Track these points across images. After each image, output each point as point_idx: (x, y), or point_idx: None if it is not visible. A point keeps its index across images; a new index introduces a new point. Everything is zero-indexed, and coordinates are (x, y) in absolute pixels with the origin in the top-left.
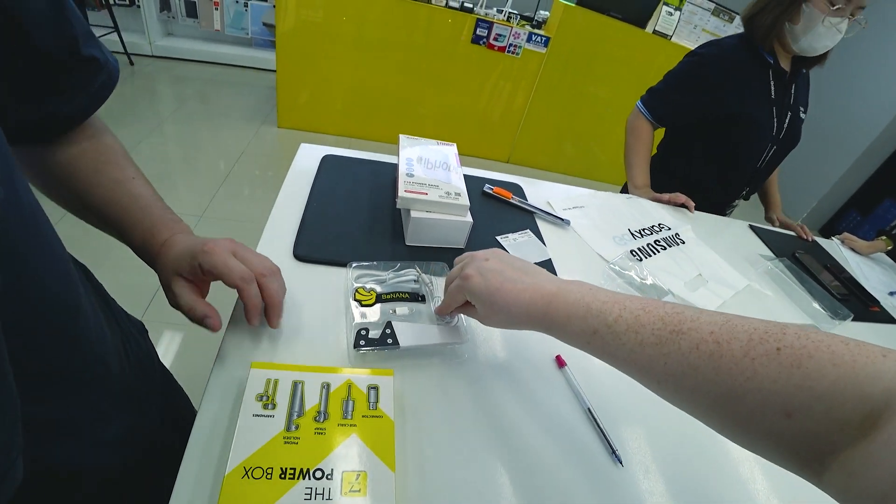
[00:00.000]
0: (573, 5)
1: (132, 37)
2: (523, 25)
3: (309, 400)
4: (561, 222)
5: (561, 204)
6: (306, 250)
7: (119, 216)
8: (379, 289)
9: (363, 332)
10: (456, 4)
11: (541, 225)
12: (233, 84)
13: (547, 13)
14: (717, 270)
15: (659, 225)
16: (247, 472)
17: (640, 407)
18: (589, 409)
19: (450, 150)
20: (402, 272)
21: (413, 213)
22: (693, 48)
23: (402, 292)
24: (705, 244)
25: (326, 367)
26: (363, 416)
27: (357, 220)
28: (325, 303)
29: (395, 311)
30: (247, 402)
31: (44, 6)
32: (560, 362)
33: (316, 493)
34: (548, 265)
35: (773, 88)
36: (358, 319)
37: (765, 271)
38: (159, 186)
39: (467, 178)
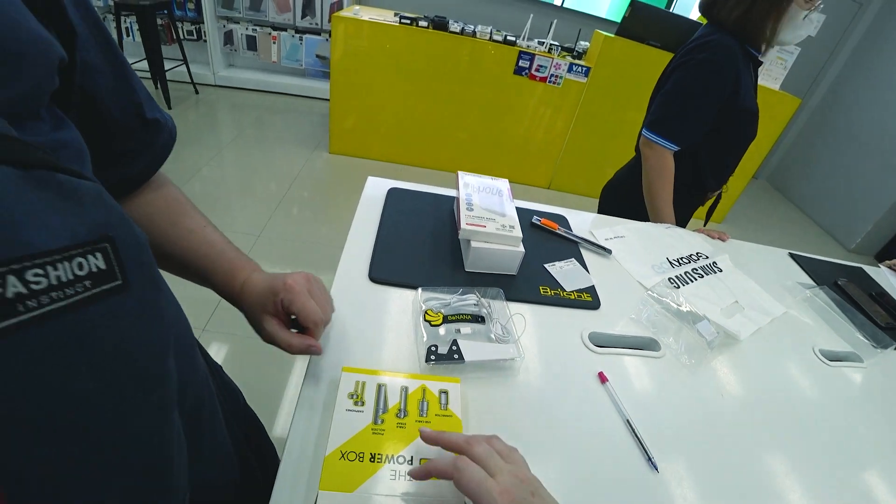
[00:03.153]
0: (612, 36)
1: (198, 68)
2: (564, 56)
3: (391, 399)
4: (603, 251)
5: (603, 234)
6: (380, 274)
7: (199, 263)
8: (444, 311)
9: (433, 348)
10: (499, 38)
11: (585, 254)
12: (287, 112)
13: (587, 44)
14: (754, 297)
15: (697, 254)
16: (343, 455)
17: (675, 420)
18: (628, 421)
19: (503, 185)
20: (464, 296)
21: (473, 244)
22: (686, 55)
23: (465, 314)
24: (742, 272)
25: (405, 373)
26: (436, 415)
27: (422, 247)
28: (398, 320)
29: (459, 331)
30: (340, 399)
31: (111, 80)
32: (602, 378)
33: (399, 475)
34: (591, 291)
35: (752, 77)
36: (428, 337)
37: (803, 299)
38: (220, 207)
39: (519, 210)
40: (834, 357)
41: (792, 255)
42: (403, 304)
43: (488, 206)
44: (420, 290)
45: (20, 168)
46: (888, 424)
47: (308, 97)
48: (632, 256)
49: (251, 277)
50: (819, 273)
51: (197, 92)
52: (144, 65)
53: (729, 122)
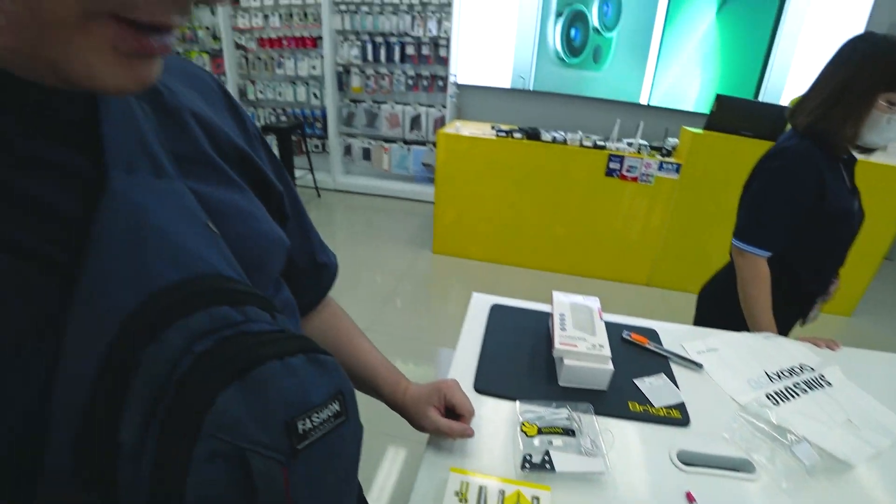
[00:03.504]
0: (700, 132)
1: (321, 175)
2: (653, 155)
3: (490, 500)
4: (694, 366)
5: (695, 346)
6: (484, 385)
7: (373, 377)
8: (539, 423)
9: (528, 457)
10: (589, 143)
11: (675, 368)
12: (395, 213)
13: (676, 140)
14: (873, 415)
15: (801, 366)
16: None
17: None
18: None
19: (594, 305)
20: (557, 410)
21: (566, 361)
22: (766, 162)
23: (557, 427)
24: (857, 385)
25: (503, 477)
26: None
27: (520, 361)
28: (498, 427)
29: (552, 442)
30: (448, 496)
31: (298, 237)
32: (690, 498)
33: None
34: (680, 408)
35: (845, 176)
36: (524, 447)
37: None
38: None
39: (608, 324)
40: None
41: None
42: (503, 414)
43: (580, 325)
44: (518, 402)
45: (305, 354)
46: None
47: (414, 200)
48: (725, 370)
49: (410, 387)
50: None
51: (319, 195)
52: None
53: (819, 226)
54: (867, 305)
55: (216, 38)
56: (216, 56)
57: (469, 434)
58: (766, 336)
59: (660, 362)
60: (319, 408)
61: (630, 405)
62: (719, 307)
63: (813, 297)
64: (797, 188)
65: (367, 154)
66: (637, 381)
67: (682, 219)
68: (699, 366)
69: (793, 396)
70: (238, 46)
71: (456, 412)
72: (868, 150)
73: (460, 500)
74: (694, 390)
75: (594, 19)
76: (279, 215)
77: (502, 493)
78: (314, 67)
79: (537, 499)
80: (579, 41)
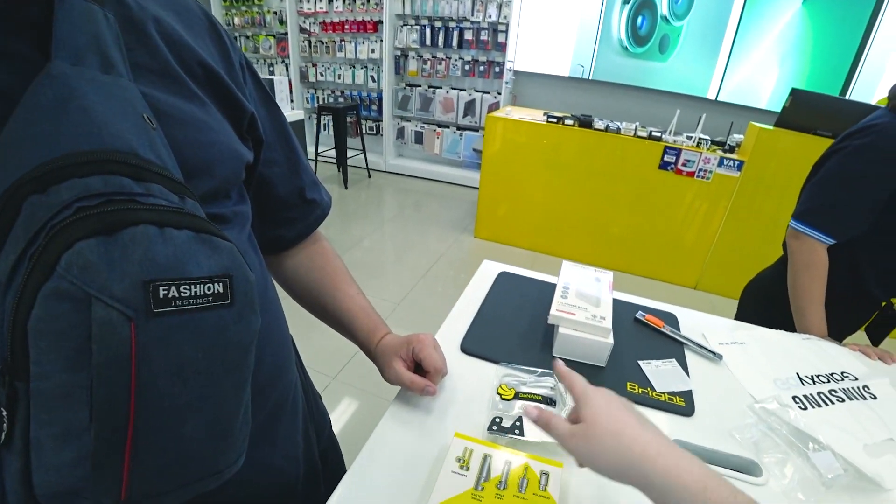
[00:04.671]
0: (769, 128)
1: (373, 156)
2: (714, 150)
3: (494, 470)
4: (713, 356)
5: (718, 338)
6: (470, 346)
7: (350, 321)
8: (520, 388)
9: (497, 420)
10: (644, 134)
11: (689, 356)
12: (443, 197)
13: (741, 137)
14: None
15: (842, 373)
16: None
17: None
18: None
19: (605, 278)
20: (542, 378)
21: (561, 330)
22: (845, 141)
23: (537, 394)
24: None
25: (511, 448)
26: (534, 494)
27: (516, 328)
28: (475, 389)
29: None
30: (448, 461)
31: (286, 170)
32: None
33: None
34: (686, 396)
35: None
36: (496, 409)
37: None
38: (374, 275)
39: (625, 304)
40: None
41: None
42: (485, 377)
43: (584, 294)
44: (500, 364)
45: (194, 231)
46: None
47: (462, 185)
48: (748, 365)
49: (386, 337)
50: None
51: (370, 176)
52: (333, 153)
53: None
54: None
55: (282, 21)
56: (281, 39)
57: (431, 392)
58: (805, 337)
59: (674, 349)
60: (195, 282)
61: (628, 385)
62: (763, 301)
63: (877, 304)
64: (882, 169)
65: (419, 138)
66: (642, 363)
67: (739, 221)
68: (718, 356)
69: (825, 403)
70: (302, 30)
71: (423, 367)
72: None
73: (461, 467)
74: (706, 382)
75: (663, 7)
76: (253, 138)
77: (509, 464)
78: (373, 51)
79: (546, 474)
80: (645, 30)
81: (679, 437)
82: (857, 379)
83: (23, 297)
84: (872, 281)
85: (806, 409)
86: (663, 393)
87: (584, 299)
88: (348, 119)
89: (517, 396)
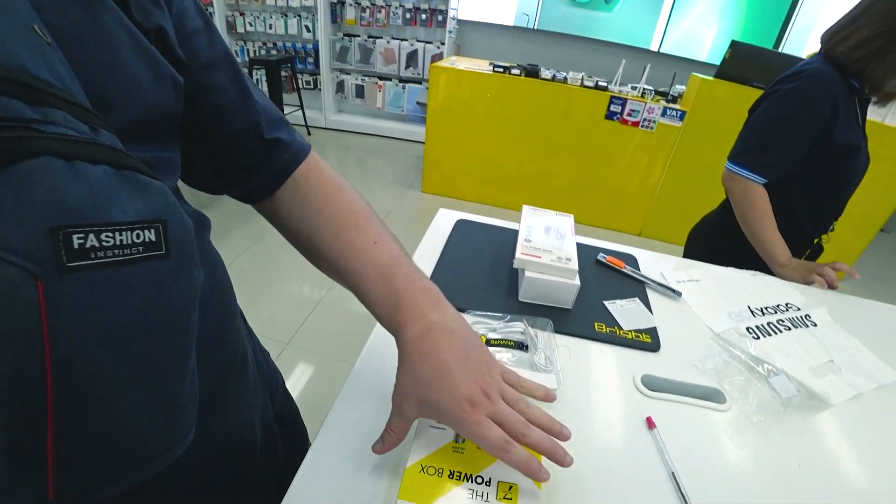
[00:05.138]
0: (710, 79)
1: (312, 113)
2: (658, 100)
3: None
4: (672, 293)
5: (675, 276)
6: None
7: (364, 288)
8: (490, 335)
9: None
10: (591, 84)
11: (651, 295)
12: (387, 153)
13: (683, 87)
14: (857, 359)
15: (787, 304)
16: (423, 469)
17: (732, 482)
18: (673, 474)
19: (566, 221)
20: (511, 323)
21: (527, 273)
22: (777, 85)
23: (509, 340)
24: (845, 329)
25: None
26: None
27: (479, 274)
28: None
29: (500, 357)
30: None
31: (235, 95)
32: (650, 423)
33: (476, 494)
34: (652, 332)
35: (858, 113)
36: None
37: None
38: None
39: (586, 247)
40: None
41: None
42: None
43: (547, 238)
44: (467, 312)
45: (114, 167)
46: None
47: (407, 140)
48: (705, 301)
49: (417, 338)
50: None
51: (309, 133)
52: None
53: (825, 158)
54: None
55: None
56: None
57: (545, 478)
58: (753, 273)
59: (635, 288)
60: (118, 227)
61: (596, 325)
62: (708, 244)
63: (810, 239)
64: (808, 113)
65: (360, 91)
66: (607, 303)
67: (681, 169)
68: (678, 293)
69: (775, 332)
70: None
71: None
72: (884, 101)
73: (438, 421)
74: (669, 318)
75: None
76: (176, 57)
77: None
78: None
79: None
80: None
81: (648, 371)
82: (799, 309)
83: None
84: (805, 218)
85: (759, 338)
86: (630, 331)
87: (549, 242)
88: (283, 73)
89: (488, 343)
